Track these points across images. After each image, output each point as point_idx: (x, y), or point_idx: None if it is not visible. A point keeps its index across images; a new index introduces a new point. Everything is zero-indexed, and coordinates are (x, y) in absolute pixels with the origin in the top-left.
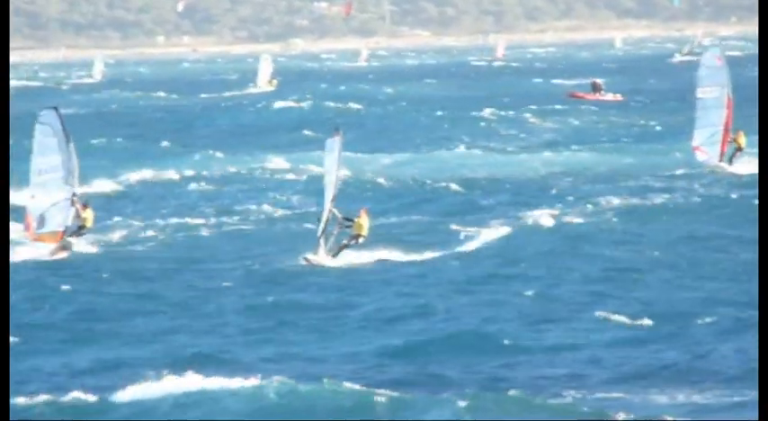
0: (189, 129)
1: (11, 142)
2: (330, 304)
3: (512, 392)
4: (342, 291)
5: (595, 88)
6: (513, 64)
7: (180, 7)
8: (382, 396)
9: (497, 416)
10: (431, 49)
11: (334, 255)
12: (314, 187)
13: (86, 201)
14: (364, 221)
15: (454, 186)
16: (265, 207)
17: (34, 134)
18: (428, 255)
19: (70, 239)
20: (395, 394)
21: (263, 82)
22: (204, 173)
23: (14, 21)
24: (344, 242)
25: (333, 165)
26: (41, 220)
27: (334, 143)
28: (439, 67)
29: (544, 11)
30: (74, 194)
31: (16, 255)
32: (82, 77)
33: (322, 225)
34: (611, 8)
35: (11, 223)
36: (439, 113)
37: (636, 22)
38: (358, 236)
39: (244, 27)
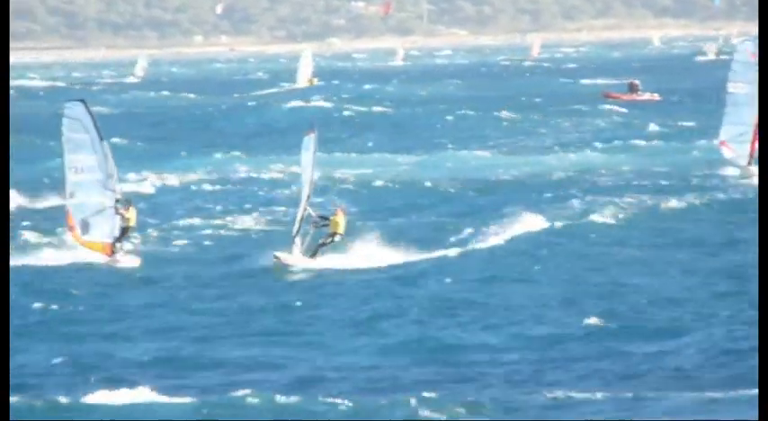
0: (214, 130)
1: (39, 142)
2: (336, 304)
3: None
4: (352, 290)
5: (632, 89)
6: (545, 64)
7: (219, 10)
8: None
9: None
10: (467, 48)
11: (312, 256)
12: (329, 188)
13: (128, 200)
14: (340, 219)
15: (476, 186)
16: (282, 208)
17: (62, 129)
18: (443, 253)
19: (118, 246)
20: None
21: (304, 80)
22: (226, 174)
23: (52, 20)
24: (321, 241)
25: (308, 162)
26: (85, 226)
27: (310, 141)
28: (472, 67)
29: (581, 9)
30: (117, 201)
31: (37, 257)
32: (121, 77)
33: (297, 224)
34: (649, 7)
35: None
36: (465, 113)
37: (673, 20)
38: (334, 234)
39: (282, 27)
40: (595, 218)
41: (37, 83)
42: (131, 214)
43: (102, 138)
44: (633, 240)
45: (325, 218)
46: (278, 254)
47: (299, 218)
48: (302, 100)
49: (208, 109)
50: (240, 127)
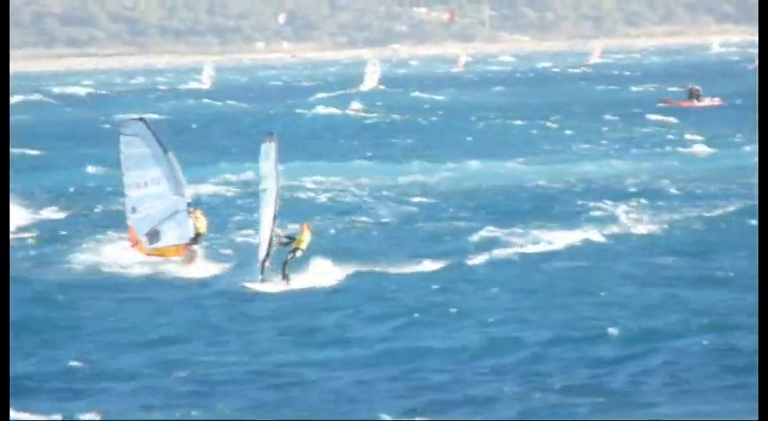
0: (260, 137)
1: (76, 150)
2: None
3: None
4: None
5: (692, 94)
6: (603, 70)
7: (281, 20)
8: None
9: None
10: (529, 54)
11: (284, 278)
12: (363, 199)
13: (196, 206)
14: (305, 236)
15: (521, 194)
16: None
17: (120, 147)
18: (477, 260)
19: (194, 248)
20: None
21: (370, 85)
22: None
23: (114, 27)
24: (284, 260)
25: (270, 173)
26: (154, 235)
27: (270, 149)
28: (530, 74)
29: (643, 16)
30: (188, 204)
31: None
32: (178, 84)
33: (265, 247)
34: (711, 13)
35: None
36: (514, 122)
37: (734, 26)
38: (296, 249)
39: (344, 33)
40: (638, 227)
41: (90, 90)
42: (201, 222)
43: (166, 150)
44: (676, 248)
45: (291, 237)
46: (248, 284)
47: (266, 239)
48: (345, 108)
49: (259, 116)
50: (289, 134)
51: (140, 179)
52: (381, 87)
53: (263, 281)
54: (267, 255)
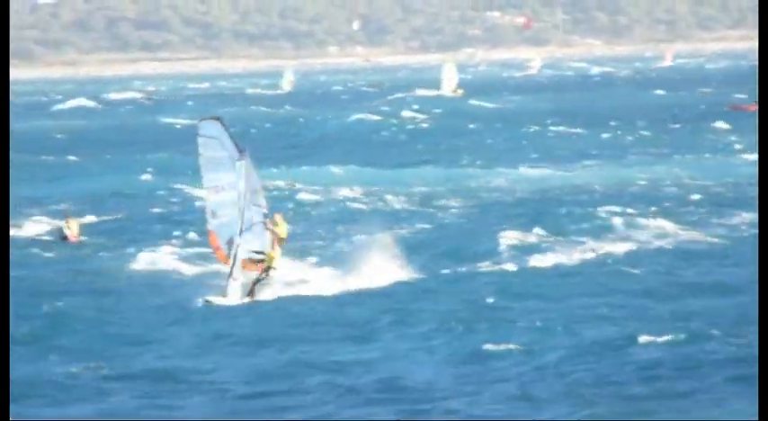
0: (302, 144)
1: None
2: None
3: None
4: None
5: None
6: (673, 75)
7: (355, 26)
8: None
9: None
10: (601, 58)
11: (249, 294)
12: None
13: (274, 213)
14: (276, 253)
15: (576, 200)
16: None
17: (198, 149)
18: (526, 266)
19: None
20: None
21: (448, 89)
22: (322, 191)
23: (187, 31)
24: (256, 277)
25: (241, 189)
26: (232, 244)
27: (242, 167)
28: (602, 78)
29: (717, 20)
30: (265, 215)
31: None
32: (246, 88)
33: (232, 261)
34: None
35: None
36: (576, 130)
37: None
38: (269, 268)
39: (417, 37)
40: (698, 236)
41: (149, 95)
42: (282, 228)
43: (241, 151)
44: (737, 258)
45: (260, 252)
46: (210, 298)
47: (233, 254)
48: (403, 114)
49: (315, 121)
50: (344, 141)
51: (218, 182)
52: (460, 92)
53: (225, 296)
54: (232, 269)
